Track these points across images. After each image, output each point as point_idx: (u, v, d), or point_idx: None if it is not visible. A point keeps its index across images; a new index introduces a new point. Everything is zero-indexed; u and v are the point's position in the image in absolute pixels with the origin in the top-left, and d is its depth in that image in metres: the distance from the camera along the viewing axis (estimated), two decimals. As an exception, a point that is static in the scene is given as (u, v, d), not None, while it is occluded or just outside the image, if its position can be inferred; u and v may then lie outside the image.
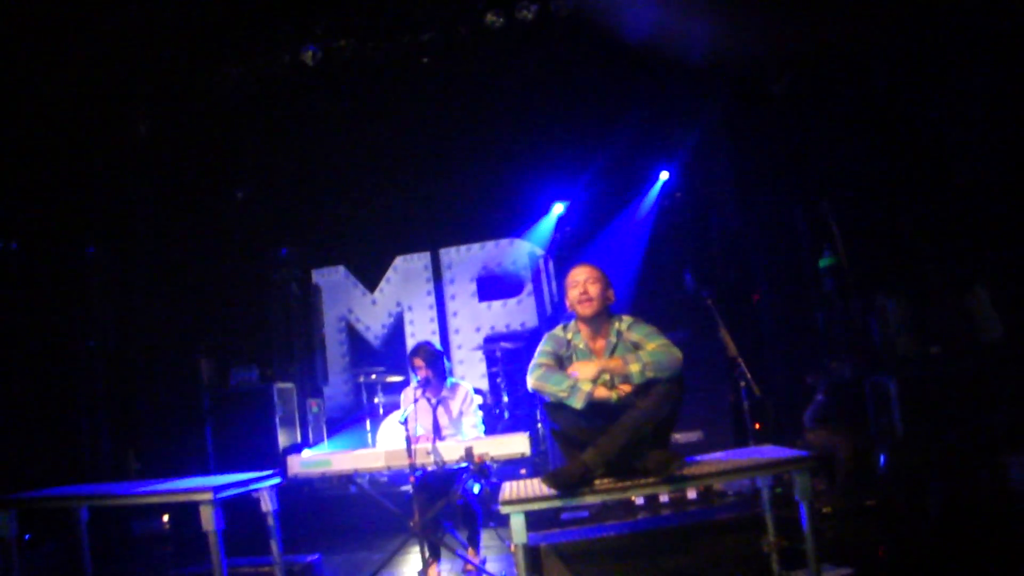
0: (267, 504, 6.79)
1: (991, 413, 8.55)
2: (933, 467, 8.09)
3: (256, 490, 6.79)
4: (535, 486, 5.80)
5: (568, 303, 6.11)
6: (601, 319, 6.03)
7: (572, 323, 6.20)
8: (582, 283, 6.01)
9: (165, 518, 11.23)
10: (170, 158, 13.02)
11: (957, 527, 7.31)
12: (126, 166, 12.89)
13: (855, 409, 9.58)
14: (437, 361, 8.26)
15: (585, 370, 5.80)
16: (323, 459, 7.47)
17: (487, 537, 8.72)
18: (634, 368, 5.64)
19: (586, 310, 6.00)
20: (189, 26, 11.07)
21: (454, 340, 13.99)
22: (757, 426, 9.37)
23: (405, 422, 7.13)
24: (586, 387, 5.73)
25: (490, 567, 7.94)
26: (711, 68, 11.52)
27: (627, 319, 6.07)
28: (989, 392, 8.72)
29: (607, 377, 5.82)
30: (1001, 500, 7.70)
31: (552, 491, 5.41)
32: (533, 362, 6.01)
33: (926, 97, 10.33)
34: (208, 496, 6.10)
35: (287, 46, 11.81)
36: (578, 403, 5.72)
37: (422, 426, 8.13)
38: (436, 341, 13.10)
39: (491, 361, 12.96)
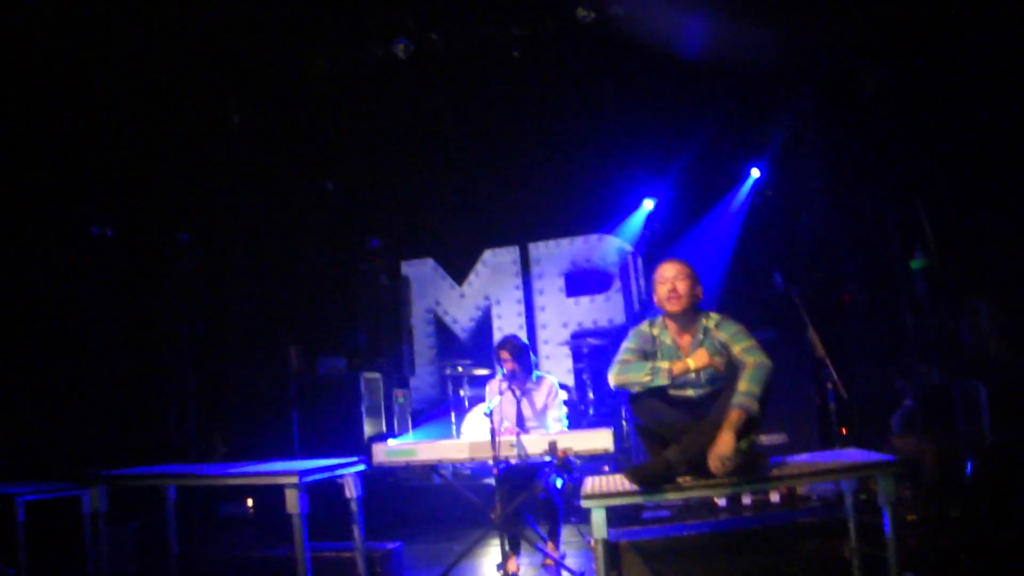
0: (351, 490, 6.86)
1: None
2: (1022, 477, 7.95)
3: (341, 476, 6.86)
4: (617, 481, 5.79)
5: (656, 299, 6.06)
6: (689, 316, 5.98)
7: (659, 319, 6.15)
8: (671, 279, 5.96)
9: (249, 502, 11.36)
10: (262, 148, 13.18)
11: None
12: (219, 155, 13.08)
13: (944, 415, 9.44)
14: (523, 354, 8.28)
15: (698, 355, 5.79)
16: (408, 448, 7.54)
17: (567, 532, 8.74)
18: (747, 402, 5.56)
19: (674, 307, 5.95)
20: (281, 17, 11.18)
21: (541, 335, 14.01)
22: (843, 430, 9.25)
23: (490, 414, 7.16)
24: (666, 365, 5.73)
25: (569, 562, 7.93)
26: (802, 62, 11.46)
27: (715, 316, 6.02)
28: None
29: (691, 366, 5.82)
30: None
31: (634, 487, 5.40)
32: (616, 358, 5.99)
33: (1021, 93, 10.14)
34: (294, 480, 6.18)
35: (379, 38, 11.88)
36: (663, 379, 5.71)
37: (507, 419, 8.15)
38: (523, 335, 13.08)
39: (577, 357, 12.94)
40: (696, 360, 5.75)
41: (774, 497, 9.10)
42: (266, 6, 10.87)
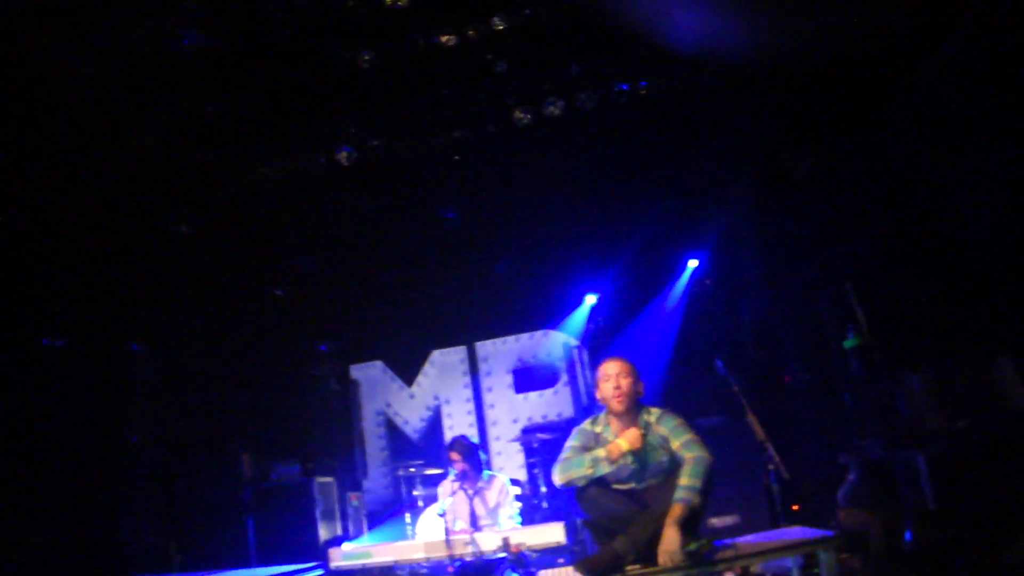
0: (309, 596, 6.97)
1: (1019, 485, 8.61)
2: (963, 542, 8.14)
3: (300, 583, 6.96)
4: (572, 573, 5.96)
5: (599, 396, 6.26)
6: (631, 412, 6.19)
7: (601, 416, 6.35)
8: (614, 376, 6.17)
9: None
10: (211, 256, 13.32)
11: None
12: (169, 265, 13.19)
13: (887, 486, 9.63)
14: (472, 454, 8.45)
15: (628, 434, 5.98)
16: (364, 551, 7.65)
17: (526, 626, 8.82)
18: (689, 496, 5.75)
19: (619, 405, 6.15)
20: (228, 127, 11.41)
21: (492, 431, 14.09)
22: (795, 507, 9.45)
23: (443, 514, 7.32)
24: (602, 453, 5.92)
25: (530, 656, 8.03)
26: (735, 152, 11.78)
27: (655, 411, 6.22)
28: (1020, 463, 8.77)
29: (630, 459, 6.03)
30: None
31: (584, 578, 5.57)
32: (559, 457, 6.18)
33: (944, 173, 10.48)
34: (251, 590, 6.28)
35: (322, 147, 12.14)
36: (604, 468, 5.91)
37: (460, 518, 8.29)
38: (474, 433, 13.24)
39: (529, 452, 13.02)
40: (628, 440, 5.96)
41: (729, 577, 9.25)
42: (212, 116, 11.09)
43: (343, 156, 12.08)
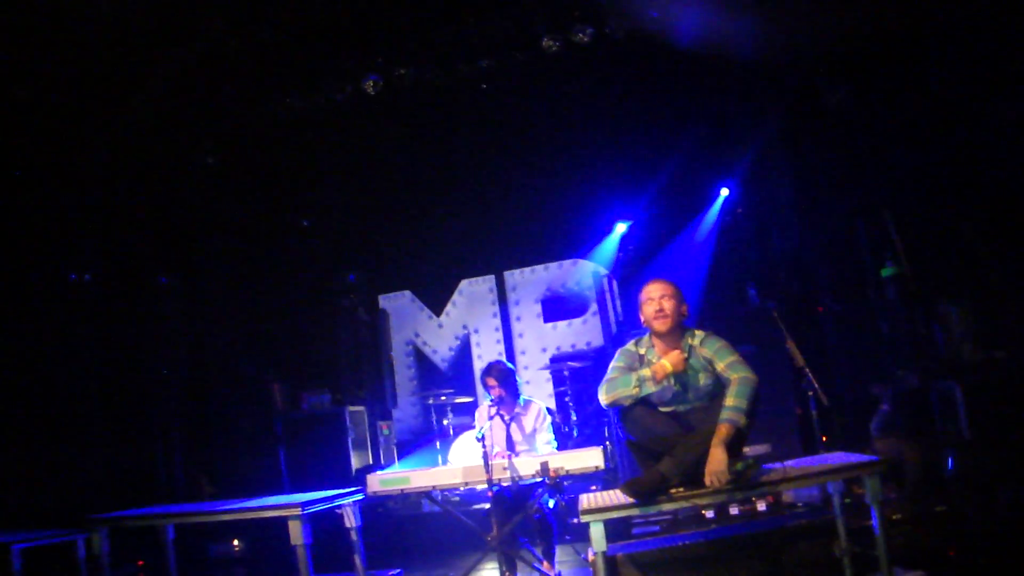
0: (350, 520, 6.99)
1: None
2: (1001, 471, 8.13)
3: (340, 506, 6.98)
4: (613, 496, 5.96)
5: (643, 318, 6.22)
6: (675, 334, 6.14)
7: (645, 338, 6.31)
8: (657, 299, 6.13)
9: (236, 542, 11.42)
10: (237, 188, 13.30)
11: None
12: (196, 197, 13.19)
13: (921, 417, 9.62)
14: (510, 379, 8.42)
15: (671, 356, 5.97)
16: (402, 477, 7.63)
17: (562, 552, 8.85)
18: (735, 417, 5.75)
19: (662, 326, 6.11)
20: (253, 59, 11.31)
21: (520, 361, 14.07)
22: (824, 438, 9.42)
23: (482, 438, 7.29)
24: (647, 373, 5.91)
25: (566, 581, 8.08)
26: (766, 81, 11.64)
27: (700, 334, 6.18)
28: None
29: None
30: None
31: (630, 500, 5.55)
32: (605, 378, 6.14)
33: (984, 102, 10.36)
34: (297, 511, 6.31)
35: (349, 76, 12.03)
36: (650, 387, 5.90)
37: (496, 443, 8.27)
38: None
39: (558, 381, 13.04)
40: (671, 361, 5.93)
41: (761, 506, 9.26)
42: (237, 49, 11.00)
43: (369, 85, 11.98)
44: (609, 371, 6.18)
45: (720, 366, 5.94)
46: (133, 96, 11.16)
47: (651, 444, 5.89)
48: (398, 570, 7.74)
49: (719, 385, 5.95)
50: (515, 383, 8.50)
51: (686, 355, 6.05)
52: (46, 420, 11.62)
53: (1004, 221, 10.13)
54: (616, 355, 6.33)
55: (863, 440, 9.78)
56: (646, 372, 5.92)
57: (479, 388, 13.16)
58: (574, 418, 12.26)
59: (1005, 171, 10.19)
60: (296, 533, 6.33)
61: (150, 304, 13.39)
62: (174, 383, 13.40)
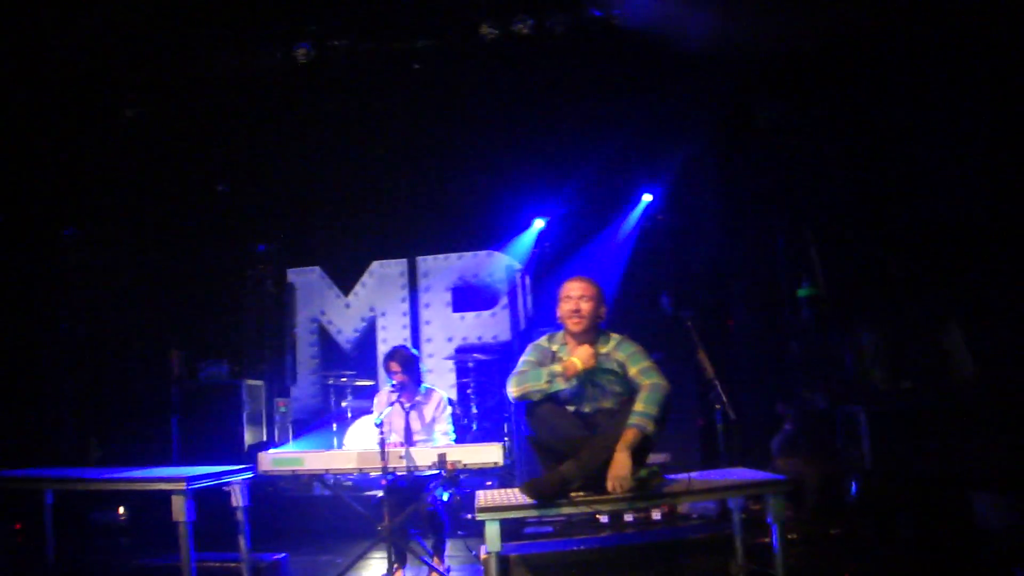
0: (238, 499, 6.76)
1: (960, 450, 8.63)
2: (900, 499, 8.15)
3: (228, 484, 6.76)
4: (511, 495, 5.82)
5: (559, 314, 6.08)
6: (589, 335, 6.02)
7: (559, 334, 6.19)
8: (576, 299, 5.99)
9: (121, 510, 11.14)
10: (155, 145, 12.97)
11: (921, 558, 7.38)
12: (110, 150, 12.84)
13: (825, 438, 9.65)
14: (413, 366, 8.27)
15: (581, 352, 5.83)
16: (295, 457, 7.45)
17: (453, 547, 8.73)
18: (642, 423, 5.61)
19: (576, 327, 5.99)
20: (184, 16, 11.04)
21: (425, 348, 13.93)
22: (729, 454, 9.40)
23: (380, 424, 7.12)
24: (559, 368, 5.78)
25: (454, 576, 7.95)
26: (700, 91, 11.62)
27: (615, 337, 6.07)
28: (959, 429, 8.79)
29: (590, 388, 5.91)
30: (966, 537, 7.77)
31: (529, 500, 5.42)
32: (515, 371, 5.99)
33: (911, 133, 10.43)
34: (181, 486, 6.08)
35: (280, 42, 11.79)
36: (560, 384, 5.77)
37: (395, 431, 8.12)
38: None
39: (462, 372, 12.92)
40: (582, 357, 5.80)
41: (656, 515, 9.21)
42: (170, 4, 10.73)
43: (301, 53, 11.75)
44: (520, 364, 6.04)
45: (632, 371, 5.83)
46: (55, 38, 10.83)
47: (555, 444, 5.75)
48: (283, 554, 7.53)
49: (629, 390, 5.84)
50: (418, 370, 8.36)
51: (599, 353, 5.92)
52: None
53: (922, 252, 10.21)
54: (528, 349, 6.20)
55: (763, 457, 9.78)
56: (557, 368, 5.79)
57: (381, 373, 12.99)
58: (475, 411, 12.12)
59: (928, 205, 10.27)
60: (179, 509, 6.10)
61: (52, 256, 13.04)
62: (71, 339, 13.05)
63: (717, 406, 8.09)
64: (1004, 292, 9.42)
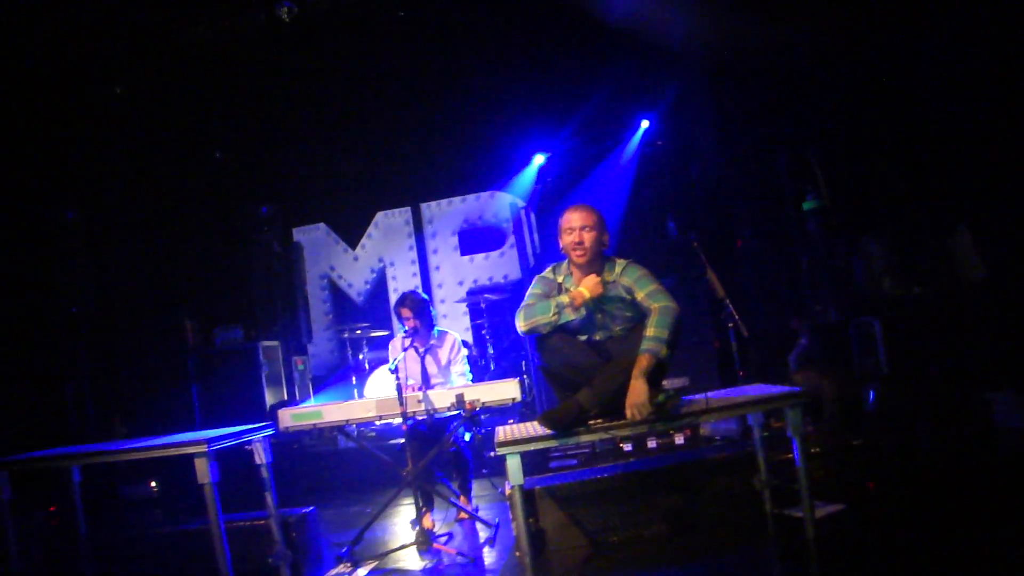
0: (261, 456, 6.76)
1: (974, 352, 8.63)
2: (919, 404, 8.16)
3: (249, 442, 6.77)
4: (530, 428, 5.83)
5: (561, 245, 6.02)
6: (594, 264, 5.97)
7: (563, 264, 6.14)
8: (578, 230, 5.92)
9: (152, 484, 11.24)
10: (147, 118, 12.93)
11: (944, 462, 7.40)
12: (103, 128, 12.80)
13: (840, 351, 9.66)
14: (424, 310, 8.27)
15: (587, 281, 5.81)
16: (314, 411, 7.45)
17: (478, 486, 8.81)
18: (655, 347, 5.60)
19: (579, 259, 5.93)
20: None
21: (437, 294, 13.98)
22: (741, 373, 9.41)
23: (396, 370, 7.13)
24: (565, 299, 5.76)
25: (482, 515, 7.98)
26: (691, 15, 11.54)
27: (621, 262, 6.00)
28: (972, 331, 8.79)
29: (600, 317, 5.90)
30: (985, 436, 7.78)
31: (547, 431, 5.42)
32: (522, 304, 5.96)
33: (911, 36, 10.34)
34: (203, 448, 6.07)
35: (262, 2, 11.71)
36: (568, 315, 5.76)
37: (411, 376, 8.15)
38: (420, 292, 13.11)
39: (475, 313, 12.94)
40: (589, 286, 5.77)
41: (678, 439, 9.22)
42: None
43: (284, 12, 11.66)
44: (526, 298, 6.01)
45: (640, 295, 5.79)
46: (39, 20, 10.77)
47: (569, 373, 5.74)
48: (311, 507, 7.57)
49: (639, 314, 5.81)
50: (429, 314, 8.36)
51: (606, 280, 5.89)
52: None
53: (926, 158, 10.15)
54: (533, 282, 6.16)
55: (780, 374, 9.78)
56: (564, 299, 5.76)
57: (395, 321, 13.03)
58: (491, 351, 12.17)
59: (928, 109, 10.20)
60: (203, 471, 6.10)
61: (56, 239, 13.02)
62: (83, 321, 13.07)
63: (730, 324, 8.12)
64: (1011, 193, 9.37)
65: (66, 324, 12.77)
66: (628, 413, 5.37)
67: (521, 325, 5.83)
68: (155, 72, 12.37)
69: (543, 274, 6.20)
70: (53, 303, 12.75)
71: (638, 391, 5.37)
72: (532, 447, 5.53)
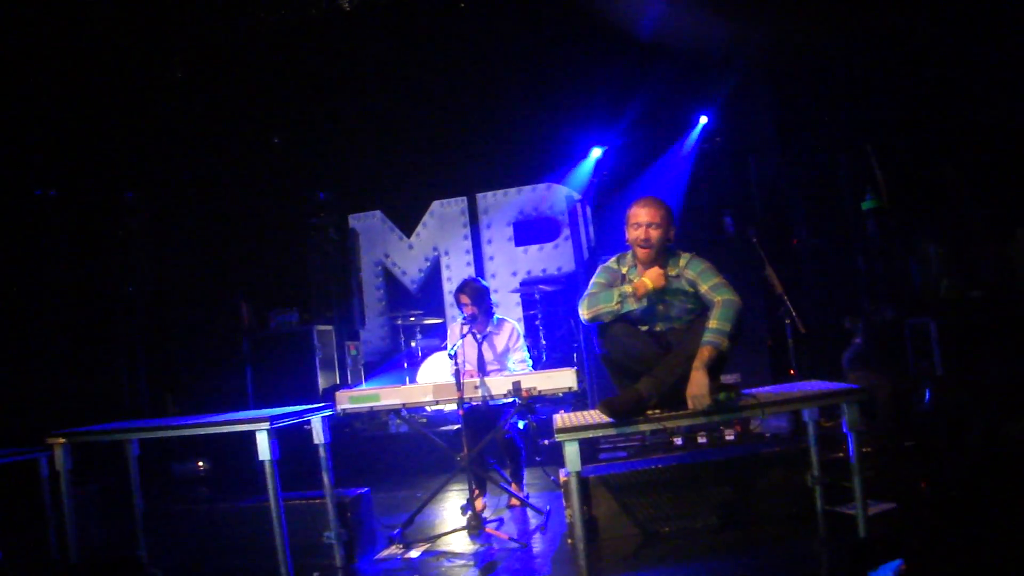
0: (319, 436, 6.84)
1: (1030, 357, 8.59)
2: (972, 407, 8.14)
3: (308, 421, 6.86)
4: (588, 416, 5.88)
5: (628, 237, 6.05)
6: (658, 257, 6.01)
7: (628, 255, 6.16)
8: (644, 227, 5.93)
9: (200, 463, 11.39)
10: (207, 104, 13.09)
11: (995, 465, 7.38)
12: (164, 112, 12.96)
13: (894, 351, 9.63)
14: (483, 297, 8.34)
15: (651, 272, 5.85)
16: (371, 394, 7.54)
17: (530, 475, 8.87)
18: (717, 339, 5.62)
19: (644, 256, 5.97)
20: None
21: (491, 284, 13.97)
22: (792, 372, 9.43)
23: (455, 355, 7.20)
24: (629, 289, 5.81)
25: (533, 502, 8.04)
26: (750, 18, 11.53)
27: (685, 255, 6.03)
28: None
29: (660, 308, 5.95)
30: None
31: (606, 419, 5.46)
32: (585, 293, 6.00)
33: (971, 42, 10.30)
34: (265, 425, 6.16)
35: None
36: (631, 304, 5.80)
37: (468, 361, 8.22)
38: (477, 282, 13.18)
39: (528, 304, 13.01)
40: (652, 277, 5.81)
41: (729, 435, 9.24)
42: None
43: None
44: (590, 286, 6.05)
45: (704, 288, 5.82)
46: (105, 6, 10.92)
47: (629, 363, 5.78)
48: (366, 489, 7.65)
49: (701, 307, 5.84)
50: (488, 301, 8.44)
51: (669, 272, 5.93)
52: (10, 338, 11.50)
53: (986, 161, 10.11)
54: (598, 271, 6.21)
55: (833, 374, 9.76)
56: (627, 288, 5.80)
57: (448, 310, 13.13)
58: (544, 342, 12.24)
59: (990, 111, 10.14)
60: (264, 448, 6.19)
61: (116, 220, 13.20)
62: (140, 301, 13.24)
63: (787, 321, 8.12)
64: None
65: (123, 303, 12.96)
66: (690, 404, 5.41)
67: (584, 313, 5.88)
68: (216, 57, 12.54)
69: (607, 263, 6.24)
70: (112, 281, 12.94)
71: (699, 382, 5.40)
72: (591, 434, 5.57)
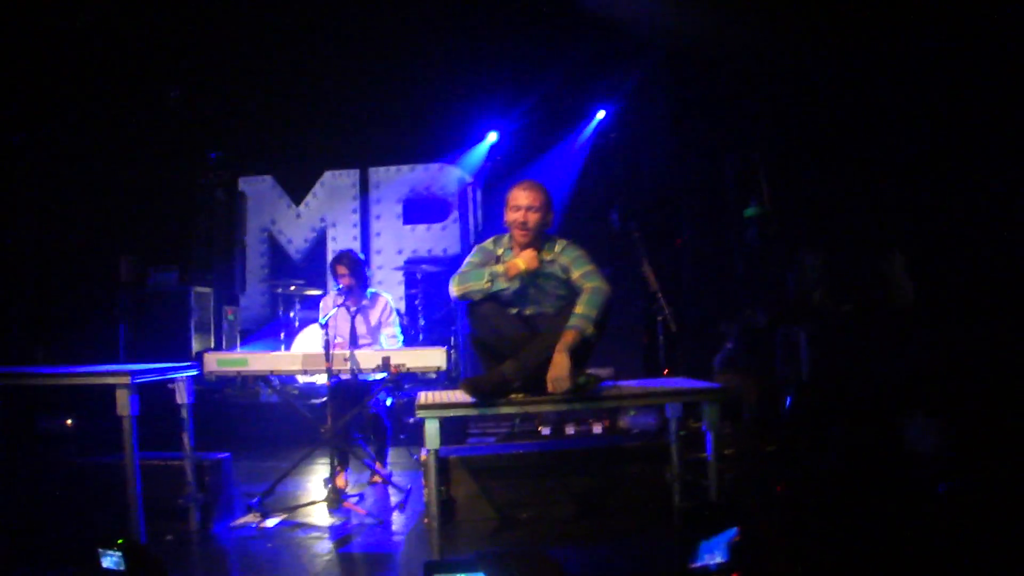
0: (182, 395, 6.76)
1: (893, 373, 8.77)
2: (834, 416, 8.29)
3: (172, 380, 6.76)
4: (452, 395, 5.88)
5: (506, 220, 6.07)
6: (535, 243, 6.03)
7: (505, 237, 6.18)
8: (523, 210, 5.95)
9: (68, 420, 11.16)
10: (106, 48, 12.78)
11: (851, 477, 7.52)
12: (59, 53, 12.64)
13: (764, 356, 9.78)
14: (360, 269, 8.31)
15: (524, 254, 5.87)
16: (240, 358, 7.47)
17: (395, 453, 8.86)
18: (582, 324, 5.65)
19: (523, 239, 5.99)
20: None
21: (375, 260, 13.99)
22: (666, 372, 9.51)
23: (325, 326, 7.16)
24: (500, 269, 5.83)
25: (396, 480, 8.04)
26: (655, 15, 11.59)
27: (561, 242, 6.06)
28: (893, 353, 8.93)
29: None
30: (892, 456, 7.92)
31: (469, 399, 5.47)
32: (458, 271, 6.00)
33: (861, 65, 10.48)
34: (125, 380, 6.06)
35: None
36: (501, 283, 5.81)
37: (340, 334, 8.18)
38: (358, 254, 13.10)
39: (410, 283, 12.93)
40: (524, 259, 5.83)
41: (596, 428, 9.30)
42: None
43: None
44: (463, 265, 6.06)
45: (575, 274, 5.86)
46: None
47: (497, 344, 5.79)
48: (227, 454, 7.56)
49: (572, 295, 5.87)
50: (364, 274, 8.43)
51: (543, 257, 5.95)
52: None
53: (870, 181, 10.30)
54: (473, 250, 6.22)
55: (704, 373, 9.87)
56: (499, 268, 5.81)
57: (331, 282, 13.02)
58: (422, 322, 12.20)
59: (877, 129, 10.35)
60: (123, 403, 6.08)
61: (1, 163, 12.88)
62: (19, 248, 12.92)
63: (659, 319, 8.19)
64: (945, 222, 9.56)
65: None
66: (549, 387, 5.43)
67: (454, 290, 5.88)
68: (118, 4, 12.25)
69: (483, 244, 6.25)
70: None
71: (560, 365, 5.42)
72: (452, 413, 5.57)
